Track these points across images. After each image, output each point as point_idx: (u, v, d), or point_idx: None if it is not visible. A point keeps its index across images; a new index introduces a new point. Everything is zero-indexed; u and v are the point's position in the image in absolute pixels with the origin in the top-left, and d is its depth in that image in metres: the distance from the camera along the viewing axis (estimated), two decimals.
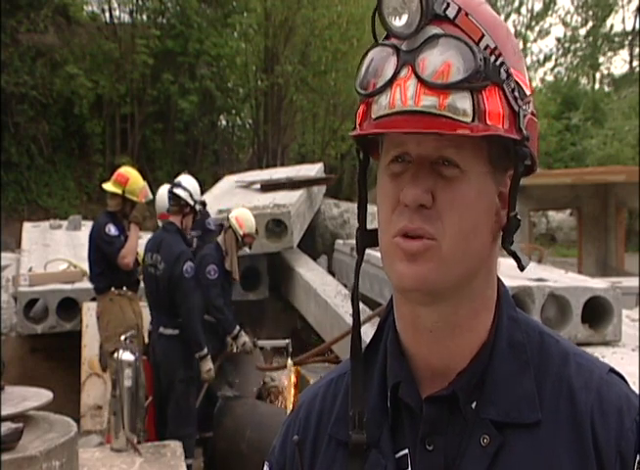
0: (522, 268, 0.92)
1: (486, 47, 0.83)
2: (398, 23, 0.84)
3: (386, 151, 0.88)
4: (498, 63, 0.83)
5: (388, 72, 0.83)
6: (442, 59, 0.81)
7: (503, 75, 0.84)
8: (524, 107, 0.86)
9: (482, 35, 0.83)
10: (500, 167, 0.87)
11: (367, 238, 0.94)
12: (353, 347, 0.95)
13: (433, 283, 0.84)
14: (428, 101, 0.80)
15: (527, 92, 0.87)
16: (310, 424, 0.98)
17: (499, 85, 0.83)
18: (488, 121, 0.82)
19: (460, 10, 0.83)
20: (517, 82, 0.85)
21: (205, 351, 5.29)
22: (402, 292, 0.87)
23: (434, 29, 0.82)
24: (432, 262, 0.83)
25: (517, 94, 0.85)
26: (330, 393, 0.99)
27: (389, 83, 0.83)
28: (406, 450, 0.88)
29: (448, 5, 0.83)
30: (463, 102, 0.81)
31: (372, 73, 0.85)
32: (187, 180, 5.64)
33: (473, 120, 0.81)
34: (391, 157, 0.86)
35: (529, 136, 0.86)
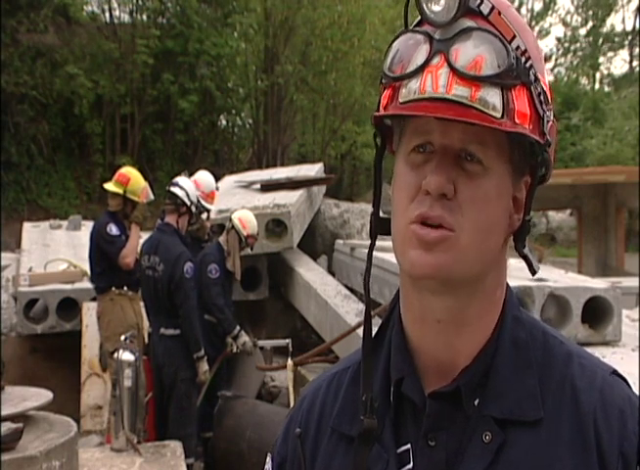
0: (533, 272, 0.92)
1: (517, 48, 0.83)
2: (436, 8, 0.83)
3: (408, 139, 0.87)
4: (528, 65, 0.84)
5: (420, 59, 0.83)
6: (476, 52, 0.81)
7: (532, 78, 0.84)
8: (547, 112, 0.86)
9: (514, 36, 0.84)
10: (518, 171, 0.87)
11: (380, 225, 0.93)
12: (366, 332, 0.94)
13: (447, 273, 0.83)
14: (460, 91, 0.80)
15: (550, 99, 0.88)
16: (313, 416, 0.98)
17: (527, 87, 0.83)
18: (516, 120, 0.82)
19: (493, 8, 0.84)
20: (542, 87, 0.86)
21: (203, 352, 5.29)
22: (414, 279, 0.86)
23: (469, 22, 0.82)
24: (448, 254, 0.83)
25: (542, 98, 0.85)
26: (333, 385, 0.99)
27: (421, 69, 0.82)
28: (408, 445, 0.88)
29: (482, 1, 0.84)
30: (493, 97, 0.81)
31: (402, 58, 0.85)
32: (184, 181, 5.64)
33: (502, 117, 0.81)
34: (413, 145, 0.86)
35: (551, 142, 0.86)
